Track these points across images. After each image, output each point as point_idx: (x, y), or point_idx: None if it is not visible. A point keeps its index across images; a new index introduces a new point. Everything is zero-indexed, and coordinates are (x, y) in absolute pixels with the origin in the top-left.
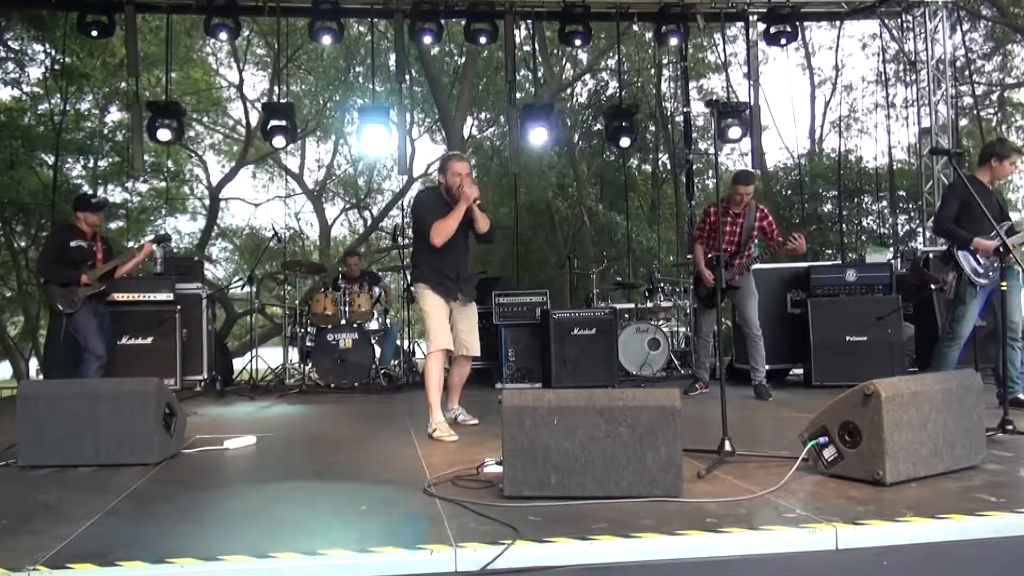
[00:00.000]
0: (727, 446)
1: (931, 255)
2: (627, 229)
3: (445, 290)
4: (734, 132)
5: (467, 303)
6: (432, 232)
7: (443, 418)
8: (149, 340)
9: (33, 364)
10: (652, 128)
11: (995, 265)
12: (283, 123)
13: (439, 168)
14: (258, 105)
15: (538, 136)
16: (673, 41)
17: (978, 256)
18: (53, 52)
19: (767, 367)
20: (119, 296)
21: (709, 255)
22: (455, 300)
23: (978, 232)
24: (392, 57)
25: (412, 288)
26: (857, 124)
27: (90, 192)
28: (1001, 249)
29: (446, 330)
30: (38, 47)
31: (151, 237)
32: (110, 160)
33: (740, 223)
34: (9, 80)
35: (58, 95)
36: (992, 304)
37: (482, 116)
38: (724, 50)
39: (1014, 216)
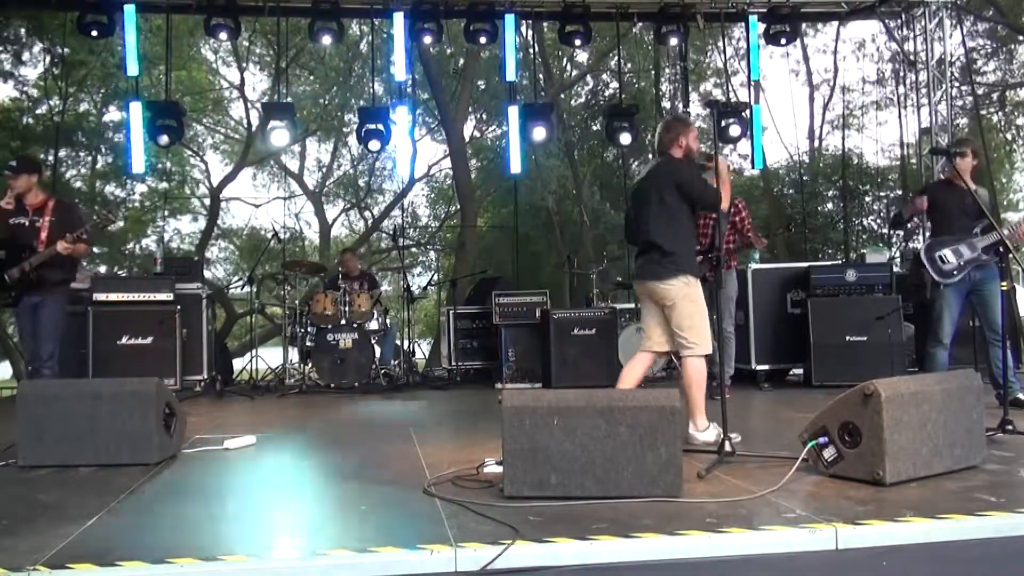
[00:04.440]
0: (727, 446)
1: None
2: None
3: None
4: (734, 132)
5: None
6: (721, 199)
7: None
8: (149, 340)
9: None
10: (652, 129)
11: (962, 264)
12: (283, 123)
13: (677, 134)
14: (259, 105)
15: (538, 137)
16: (673, 41)
17: (942, 255)
18: (51, 51)
19: (767, 367)
20: (119, 296)
21: (709, 255)
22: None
23: (949, 230)
24: (392, 57)
25: (677, 281)
26: (855, 124)
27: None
28: (1001, 248)
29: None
30: (36, 47)
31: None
32: (108, 160)
33: (714, 216)
34: (5, 72)
35: (57, 96)
36: (974, 305)
37: (482, 116)
38: (724, 51)
39: (1014, 216)
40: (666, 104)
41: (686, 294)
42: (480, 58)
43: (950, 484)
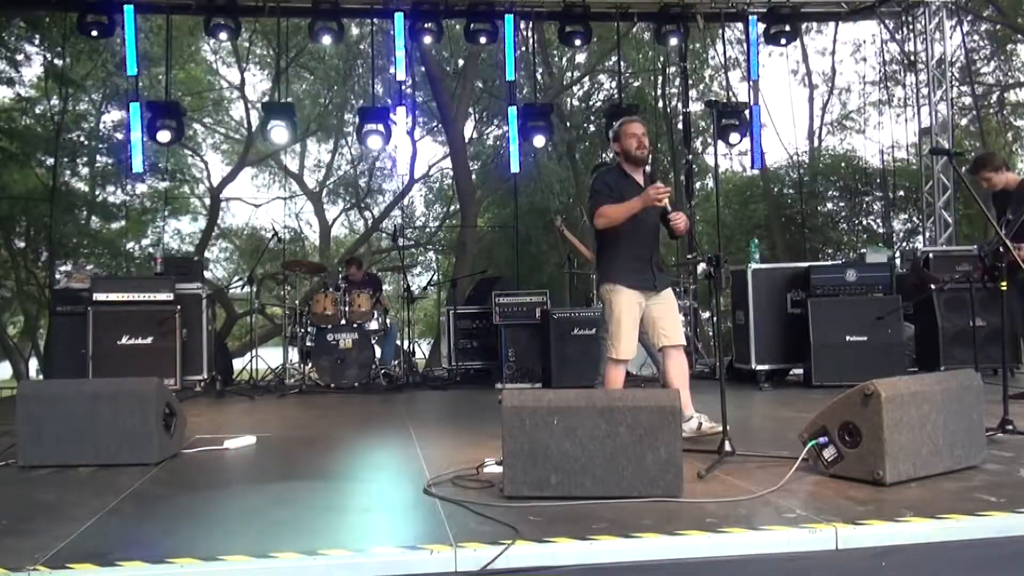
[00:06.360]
0: (727, 446)
1: (931, 255)
2: None
3: (641, 281)
4: (733, 132)
5: (662, 290)
6: (597, 212)
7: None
8: (149, 340)
9: (33, 364)
10: (652, 129)
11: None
12: (283, 123)
13: (613, 138)
14: (259, 105)
15: (537, 138)
16: (673, 41)
17: None
18: (50, 55)
19: (767, 367)
20: (119, 296)
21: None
22: (651, 289)
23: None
24: (393, 57)
25: (600, 290)
26: (854, 124)
27: None
28: (1001, 249)
29: (634, 339)
30: (33, 49)
31: None
32: (108, 161)
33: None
34: (5, 79)
35: (56, 97)
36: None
37: (482, 117)
38: (724, 51)
39: None
40: (669, 100)
41: (607, 300)
42: (480, 58)
43: (950, 484)
